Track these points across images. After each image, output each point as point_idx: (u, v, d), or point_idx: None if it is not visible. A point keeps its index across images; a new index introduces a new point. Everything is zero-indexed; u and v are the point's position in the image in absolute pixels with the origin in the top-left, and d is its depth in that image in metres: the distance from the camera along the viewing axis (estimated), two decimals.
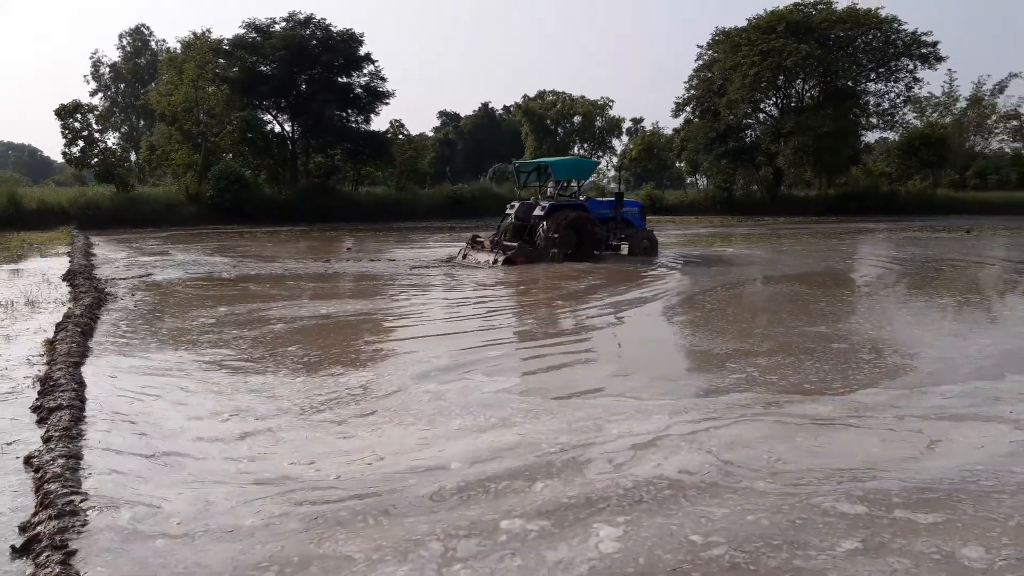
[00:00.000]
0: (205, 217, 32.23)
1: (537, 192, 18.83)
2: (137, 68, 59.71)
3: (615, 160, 61.60)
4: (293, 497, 3.81)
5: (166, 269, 15.01)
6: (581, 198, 17.68)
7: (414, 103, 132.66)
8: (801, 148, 41.86)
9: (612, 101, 57.09)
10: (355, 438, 4.76)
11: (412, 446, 4.57)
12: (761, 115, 46.17)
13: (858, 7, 41.96)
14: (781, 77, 42.96)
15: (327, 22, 38.66)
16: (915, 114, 50.05)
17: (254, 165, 39.24)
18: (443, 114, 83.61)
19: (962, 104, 50.69)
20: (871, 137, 49.47)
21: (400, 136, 43.69)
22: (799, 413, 5.22)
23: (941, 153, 48.38)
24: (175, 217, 31.55)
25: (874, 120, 45.00)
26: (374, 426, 4.98)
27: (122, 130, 58.81)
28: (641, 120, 72.83)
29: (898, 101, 44.56)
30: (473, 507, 3.69)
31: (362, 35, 38.94)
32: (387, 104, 40.85)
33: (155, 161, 37.32)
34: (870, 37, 42.66)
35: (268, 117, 40.13)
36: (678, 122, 49.02)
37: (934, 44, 41.84)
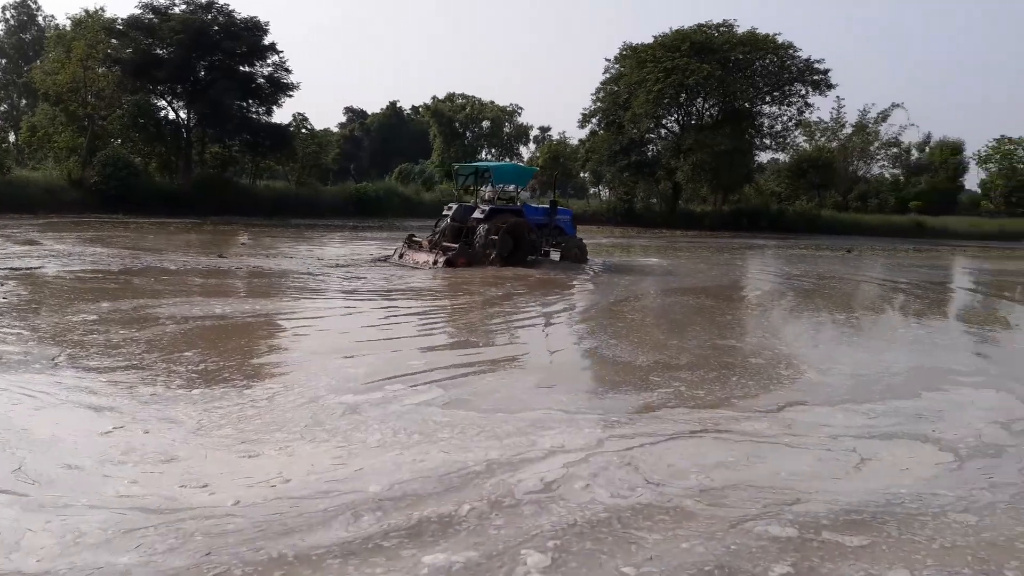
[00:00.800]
0: (89, 205, 30.28)
1: (474, 195, 19.12)
2: (21, 43, 55.92)
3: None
4: (182, 527, 3.36)
5: (42, 259, 13.87)
6: (518, 204, 17.90)
7: (320, 97, 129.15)
8: (699, 165, 43.31)
9: (521, 108, 57.48)
10: (260, 457, 4.29)
11: (326, 466, 4.19)
12: (663, 131, 47.54)
13: (757, 32, 43.82)
14: (683, 95, 44.32)
15: (230, 8, 37.20)
16: (805, 137, 52.88)
17: (145, 152, 37.29)
18: (349, 110, 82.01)
19: (848, 130, 53.96)
20: (764, 157, 51.89)
21: (303, 130, 42.46)
22: (735, 430, 5.21)
23: (827, 176, 51.26)
24: (55, 203, 29.50)
25: (767, 141, 47.32)
26: (282, 444, 4.51)
27: (1, 108, 54.81)
28: (549, 129, 73.66)
29: (790, 124, 46.99)
30: (392, 537, 3.38)
31: (267, 24, 37.68)
32: (291, 96, 39.69)
33: (36, 143, 34.98)
34: (767, 61, 44.67)
35: (162, 103, 38.24)
36: (584, 133, 49.87)
37: (825, 72, 44.33)
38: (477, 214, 16.43)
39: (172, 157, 38.09)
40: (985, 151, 59.96)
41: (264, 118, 39.04)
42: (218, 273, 13.25)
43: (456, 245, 16.07)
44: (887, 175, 58.79)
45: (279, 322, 9.05)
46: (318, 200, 38.56)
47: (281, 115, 70.83)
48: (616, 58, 46.53)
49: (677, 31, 44.03)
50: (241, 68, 37.73)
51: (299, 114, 42.76)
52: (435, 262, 15.50)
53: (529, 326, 9.69)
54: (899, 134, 54.80)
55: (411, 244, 17.03)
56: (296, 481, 3.94)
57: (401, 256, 16.62)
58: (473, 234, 16.20)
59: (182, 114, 38.13)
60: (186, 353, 6.73)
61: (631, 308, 11.45)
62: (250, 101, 38.32)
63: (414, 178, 55.76)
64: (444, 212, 17.63)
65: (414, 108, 74.26)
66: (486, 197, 17.79)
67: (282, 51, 38.43)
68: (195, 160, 38.54)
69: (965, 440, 5.19)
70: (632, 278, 15.67)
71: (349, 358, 6.90)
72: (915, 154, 58.71)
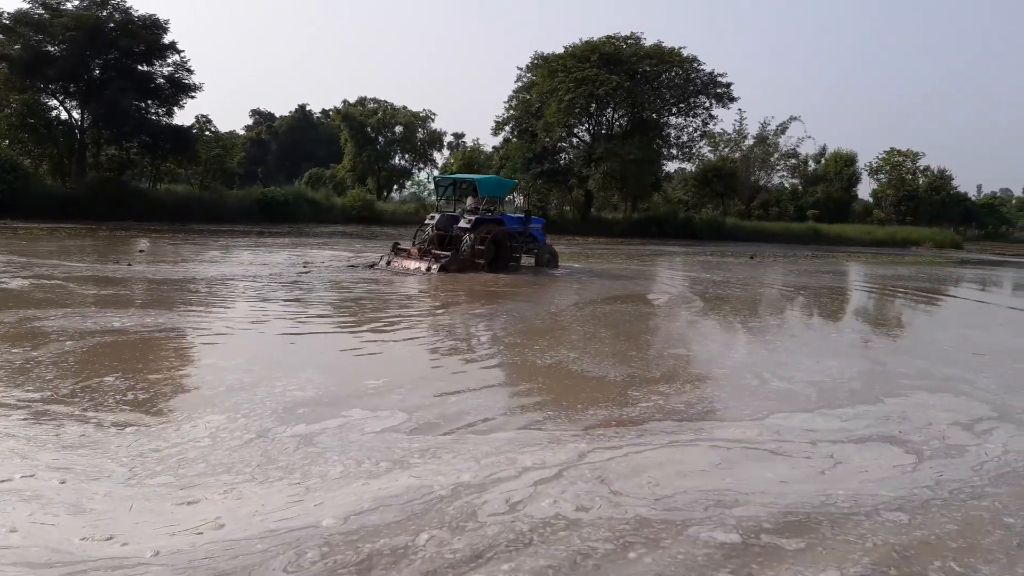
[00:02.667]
0: None
1: (454, 205, 19.76)
2: None
3: (435, 173, 61.70)
4: None
5: None
6: (499, 214, 18.82)
7: (224, 99, 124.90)
8: (610, 173, 44.17)
9: (434, 114, 57.03)
10: (201, 503, 3.89)
11: (279, 504, 3.91)
12: (575, 139, 48.26)
13: (663, 45, 45.10)
14: (594, 105, 45.10)
15: (127, 5, 35.38)
16: (709, 148, 54.82)
17: (35, 154, 35.16)
18: (256, 112, 79.73)
19: (750, 141, 56.24)
20: (671, 167, 53.38)
21: (207, 132, 40.95)
22: (728, 438, 5.42)
23: (731, 185, 53.33)
24: None
25: (674, 151, 48.74)
26: (228, 487, 4.11)
27: None
28: (463, 135, 73.62)
29: (695, 135, 48.64)
30: (338, 574, 3.24)
31: (167, 22, 36.08)
32: (193, 98, 38.21)
33: None
34: (673, 74, 46.02)
35: (54, 102, 36.00)
36: (498, 140, 50.07)
37: (728, 85, 46.09)
38: (463, 223, 17.34)
39: (64, 159, 36.00)
40: (876, 162, 63.92)
41: (164, 119, 37.44)
42: (149, 282, 12.52)
43: (448, 253, 16.84)
44: (786, 184, 61.82)
45: (207, 338, 8.50)
46: (223, 205, 37.15)
47: (183, 117, 68.29)
48: (528, 67, 47.05)
49: (587, 42, 44.83)
50: (139, 67, 36.00)
51: (202, 116, 41.45)
52: (428, 268, 16.37)
53: (483, 334, 9.60)
54: (797, 145, 57.80)
55: (398, 252, 17.78)
56: (235, 524, 3.66)
57: (389, 263, 17.38)
58: (459, 242, 17.12)
59: (75, 114, 36.11)
60: (106, 379, 6.17)
61: (585, 316, 11.50)
62: (149, 102, 36.67)
63: (324, 183, 54.59)
64: (427, 221, 18.44)
65: (324, 112, 72.93)
66: (468, 207, 18.39)
67: (183, 51, 36.97)
68: (90, 163, 36.52)
69: (930, 443, 5.56)
70: (605, 281, 16.48)
71: (294, 379, 6.45)
72: (812, 165, 61.91)
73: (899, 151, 63.47)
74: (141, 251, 18.92)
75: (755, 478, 4.63)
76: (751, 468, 4.84)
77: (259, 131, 74.03)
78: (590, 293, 14.70)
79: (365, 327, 9.96)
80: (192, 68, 37.57)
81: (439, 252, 17.05)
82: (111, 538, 3.48)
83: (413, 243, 18.16)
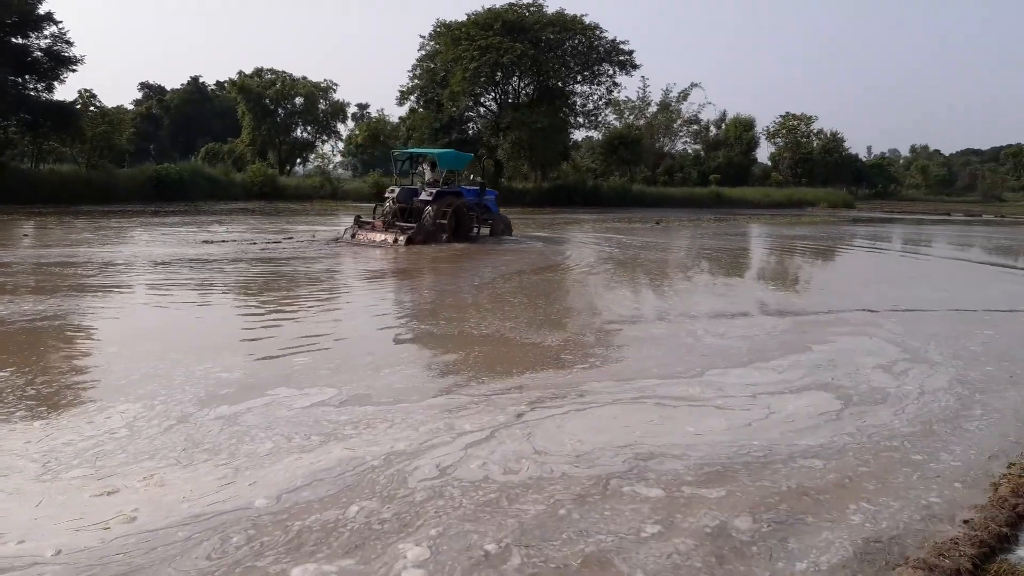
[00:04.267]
0: None
1: (412, 178, 20.23)
2: None
3: (341, 145, 60.26)
4: None
5: None
6: (457, 186, 19.45)
7: (110, 72, 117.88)
8: (518, 142, 44.18)
9: (336, 84, 55.50)
10: (122, 492, 3.70)
11: (209, 488, 3.76)
12: (482, 109, 47.92)
13: (565, 13, 45.14)
14: (499, 73, 44.81)
15: None
16: (615, 116, 55.46)
17: None
18: (145, 86, 75.53)
19: (653, 109, 57.21)
20: (578, 135, 53.81)
21: (92, 108, 38.41)
22: (673, 395, 5.56)
23: (636, 152, 54.17)
24: None
25: (580, 119, 49.04)
26: (150, 473, 3.93)
27: None
28: (367, 106, 72.07)
29: (600, 103, 49.04)
30: (266, 556, 3.13)
31: None
32: (75, 71, 35.68)
33: None
34: (576, 42, 46.15)
35: None
36: (404, 110, 49.21)
37: (630, 52, 46.62)
38: (424, 196, 17.97)
39: None
40: (773, 126, 66.26)
41: (44, 95, 34.94)
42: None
43: (413, 225, 17.41)
44: (689, 151, 63.47)
45: (112, 323, 8.04)
46: (113, 184, 35.09)
47: (64, 92, 63.99)
48: (431, 35, 46.23)
49: (489, 9, 44.38)
50: (13, 40, 33.40)
51: (86, 91, 38.57)
52: (395, 240, 16.87)
53: (441, 309, 9.47)
54: (698, 112, 59.26)
55: (362, 224, 18.20)
56: (156, 512, 3.49)
57: (354, 236, 17.76)
58: (420, 215, 17.68)
59: None
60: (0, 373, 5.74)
61: (513, 286, 11.45)
62: (26, 77, 34.10)
63: (223, 158, 52.44)
64: (387, 195, 19.02)
65: (219, 84, 69.86)
66: (428, 180, 18.91)
67: (61, 21, 34.48)
68: None
69: (858, 387, 5.90)
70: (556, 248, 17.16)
71: (213, 362, 6.18)
72: (713, 131, 63.62)
73: (794, 115, 66.07)
74: (25, 235, 17.73)
75: (682, 432, 4.79)
76: (691, 422, 4.98)
77: (149, 105, 70.25)
78: (532, 261, 15.17)
79: (292, 304, 9.67)
80: (72, 40, 35.14)
81: (404, 224, 17.64)
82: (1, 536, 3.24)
83: (373, 216, 18.65)
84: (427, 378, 6.06)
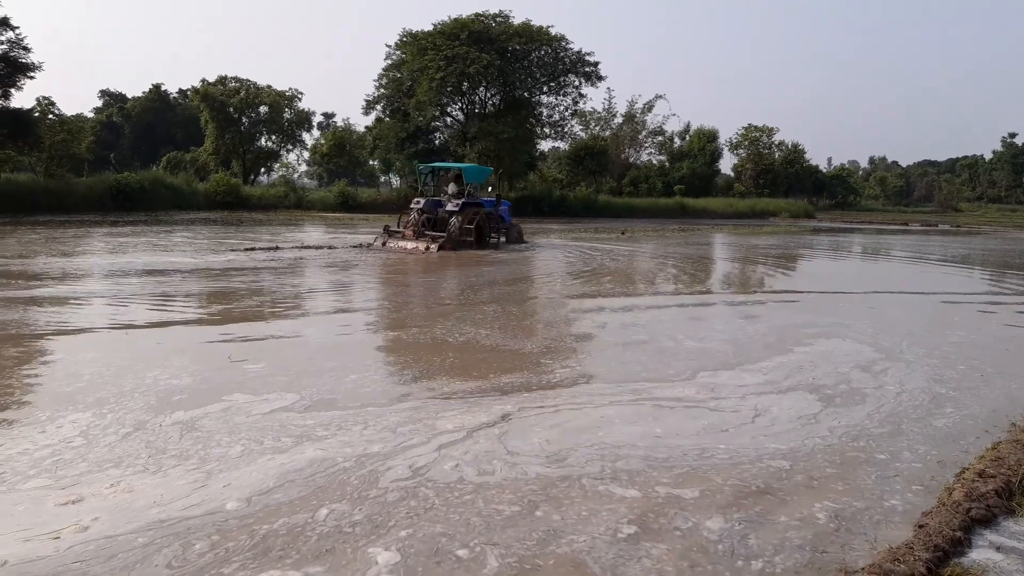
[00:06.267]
0: None
1: (433, 190, 21.91)
2: None
3: (306, 154, 59.77)
4: None
5: None
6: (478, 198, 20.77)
7: (70, 79, 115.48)
8: (485, 152, 44.17)
9: (301, 93, 54.92)
10: (86, 501, 3.60)
11: (181, 492, 3.68)
12: (448, 119, 47.88)
13: (532, 24, 45.39)
14: (466, 83, 44.85)
15: None
16: (581, 127, 55.86)
17: None
18: (106, 94, 74.05)
19: (619, 120, 57.77)
20: (545, 146, 54.06)
21: (50, 116, 37.61)
22: (670, 397, 5.61)
23: (602, 163, 54.59)
24: None
25: (547, 130, 49.25)
26: (117, 480, 3.85)
27: None
28: (333, 115, 71.56)
29: (566, 114, 49.29)
30: (229, 564, 3.06)
31: None
32: (32, 78, 34.94)
33: None
34: (542, 53, 46.42)
35: None
36: (370, 120, 48.97)
37: (596, 64, 47.00)
38: (450, 207, 19.49)
39: None
40: (735, 138, 67.31)
41: (0, 102, 34.13)
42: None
43: (443, 234, 18.89)
44: (654, 161, 64.03)
45: (58, 333, 7.83)
46: (71, 194, 34.29)
47: (22, 99, 62.57)
48: (397, 45, 46.12)
49: (455, 20, 44.44)
50: None
51: (44, 98, 37.78)
52: (427, 248, 18.29)
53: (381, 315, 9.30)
54: (663, 123, 60.01)
55: (391, 234, 19.79)
56: (119, 518, 3.41)
57: (384, 244, 19.33)
58: (445, 224, 19.25)
59: None
60: None
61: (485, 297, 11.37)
62: None
63: (185, 167, 51.63)
64: (412, 206, 20.36)
65: (182, 92, 68.87)
66: (452, 192, 20.33)
67: (18, 27, 33.77)
68: None
69: (839, 387, 6.04)
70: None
71: (163, 368, 6.08)
72: (677, 141, 64.39)
73: (756, 127, 67.22)
74: None
75: (640, 432, 4.79)
76: (681, 422, 4.96)
77: (110, 113, 69.00)
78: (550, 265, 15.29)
79: (249, 315, 9.46)
80: (29, 46, 34.47)
81: (432, 233, 19.19)
82: None
83: (397, 225, 20.18)
84: (393, 383, 5.98)
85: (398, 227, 20.05)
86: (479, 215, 19.69)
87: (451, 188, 20.64)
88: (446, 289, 12.45)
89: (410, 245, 18.81)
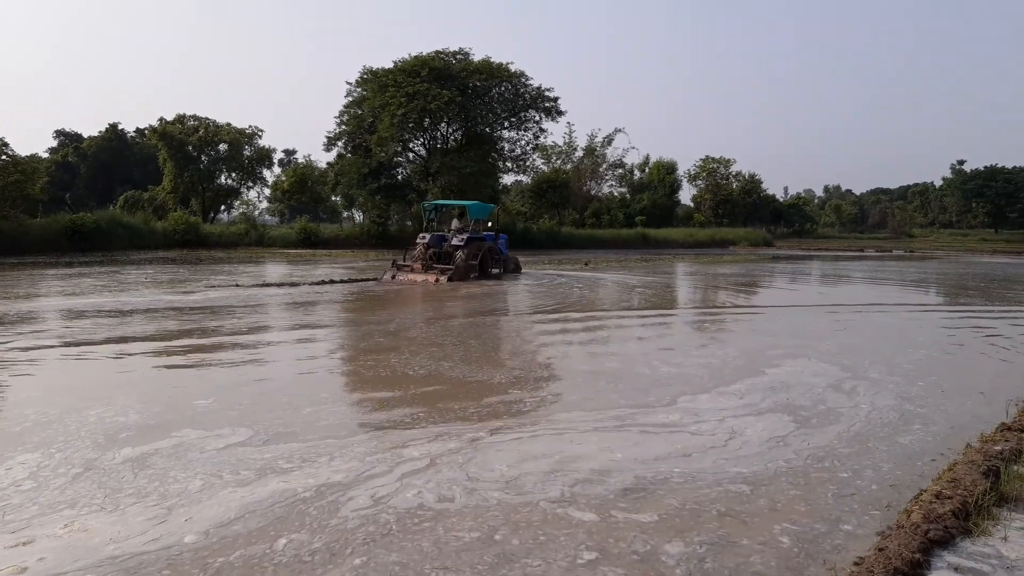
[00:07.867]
0: None
1: (437, 225, 23.62)
2: None
3: (267, 191, 59.44)
4: None
5: None
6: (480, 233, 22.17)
7: (23, 119, 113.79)
8: (448, 187, 44.37)
9: (261, 130, 54.85)
10: (38, 541, 3.46)
11: (138, 529, 3.57)
12: (411, 154, 48.15)
13: (491, 61, 46.04)
14: (427, 119, 45.22)
15: None
16: (543, 160, 56.58)
17: None
18: (61, 133, 73.11)
19: (579, 153, 58.62)
20: (508, 179, 54.51)
21: (3, 156, 36.96)
22: (655, 423, 5.58)
23: (564, 195, 55.26)
24: None
25: (509, 164, 49.76)
26: (71, 520, 3.70)
27: None
28: (294, 152, 71.45)
29: (528, 148, 49.94)
30: None
31: None
32: None
33: None
34: (503, 89, 47.07)
35: None
36: (331, 156, 48.99)
37: (555, 99, 47.82)
38: (456, 241, 20.84)
39: None
40: (694, 169, 68.71)
41: None
42: None
43: (451, 267, 20.16)
44: (615, 193, 65.03)
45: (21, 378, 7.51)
46: (25, 235, 33.69)
47: None
48: (357, 82, 46.38)
49: (416, 57, 44.90)
50: None
51: None
52: (436, 280, 19.59)
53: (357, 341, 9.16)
54: (623, 156, 61.12)
55: (400, 268, 20.90)
56: (62, 558, 3.27)
57: (394, 277, 20.36)
58: (450, 257, 20.61)
59: None
60: None
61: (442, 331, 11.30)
62: None
63: (143, 206, 50.97)
64: (418, 240, 21.41)
65: (139, 131, 68.28)
66: (456, 227, 21.66)
67: None
68: None
69: (816, 408, 6.10)
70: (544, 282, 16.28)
71: (106, 406, 5.90)
72: (637, 174, 65.55)
73: (713, 158, 68.78)
74: None
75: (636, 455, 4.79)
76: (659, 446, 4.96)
77: (65, 153, 68.09)
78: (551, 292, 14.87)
79: (201, 349, 9.27)
80: None
81: (442, 267, 20.48)
82: None
83: (404, 259, 21.25)
84: (354, 415, 5.89)
85: (404, 261, 21.24)
86: (483, 249, 21.08)
87: (455, 224, 22.06)
88: (474, 306, 12.37)
89: (420, 278, 20.05)
